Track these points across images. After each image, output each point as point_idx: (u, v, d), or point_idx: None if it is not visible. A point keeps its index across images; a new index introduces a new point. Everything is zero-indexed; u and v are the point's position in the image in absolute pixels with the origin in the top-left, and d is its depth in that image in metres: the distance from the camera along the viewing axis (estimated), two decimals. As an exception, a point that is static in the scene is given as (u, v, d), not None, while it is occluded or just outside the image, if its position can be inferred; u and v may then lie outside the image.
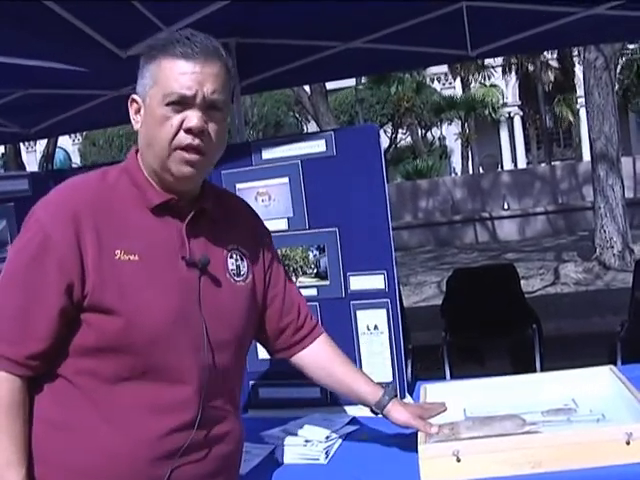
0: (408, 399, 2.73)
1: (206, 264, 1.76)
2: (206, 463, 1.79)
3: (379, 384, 2.20)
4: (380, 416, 2.16)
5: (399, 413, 2.12)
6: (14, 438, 1.63)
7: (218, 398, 1.82)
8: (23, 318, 1.65)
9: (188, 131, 1.69)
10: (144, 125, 1.74)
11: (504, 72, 32.73)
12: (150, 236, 1.75)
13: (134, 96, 1.76)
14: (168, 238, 1.76)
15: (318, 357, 2.14)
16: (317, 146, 2.75)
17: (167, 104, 1.68)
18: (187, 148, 1.70)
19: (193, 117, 1.68)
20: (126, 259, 1.69)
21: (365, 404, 2.18)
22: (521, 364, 5.66)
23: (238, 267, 1.89)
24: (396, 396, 2.17)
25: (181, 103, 1.68)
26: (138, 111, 1.76)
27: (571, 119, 32.47)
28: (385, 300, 2.73)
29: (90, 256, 1.66)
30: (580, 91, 27.58)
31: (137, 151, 1.82)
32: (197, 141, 1.70)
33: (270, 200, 2.78)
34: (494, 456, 1.99)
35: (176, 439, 1.72)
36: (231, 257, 1.88)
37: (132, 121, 1.78)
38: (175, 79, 1.68)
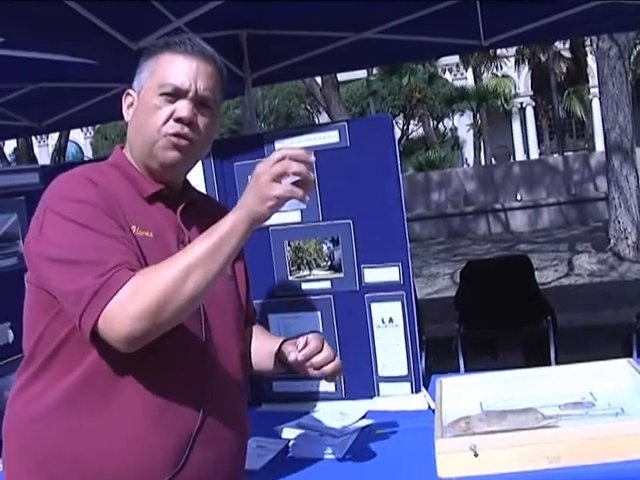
0: (424, 393, 2.71)
1: None
2: (218, 448, 1.78)
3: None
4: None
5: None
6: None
7: (222, 381, 1.82)
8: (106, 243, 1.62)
9: (178, 120, 1.76)
10: (135, 115, 1.82)
11: (517, 63, 32.56)
12: (153, 221, 1.78)
13: (129, 90, 1.86)
14: (166, 225, 1.80)
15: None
16: (330, 137, 2.73)
17: (161, 94, 1.77)
18: (175, 135, 1.76)
19: (184, 108, 1.76)
20: (142, 234, 1.72)
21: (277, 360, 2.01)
22: (535, 356, 5.61)
23: None
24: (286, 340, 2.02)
25: (174, 95, 1.77)
26: (131, 105, 1.85)
27: (579, 113, 32.36)
28: (400, 292, 2.70)
29: (122, 223, 1.68)
30: (592, 81, 27.45)
31: (122, 148, 1.89)
32: (186, 130, 1.77)
33: (283, 192, 2.76)
34: (512, 451, 1.96)
35: (185, 420, 1.71)
36: None
37: (124, 113, 1.86)
38: (171, 72, 1.77)
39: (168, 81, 1.76)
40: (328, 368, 1.90)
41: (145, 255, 1.69)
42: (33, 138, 19.92)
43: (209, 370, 1.78)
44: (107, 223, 1.65)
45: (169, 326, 1.59)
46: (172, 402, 1.70)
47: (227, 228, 1.60)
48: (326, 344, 1.92)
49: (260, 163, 1.60)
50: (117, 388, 1.67)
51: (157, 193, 1.82)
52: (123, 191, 1.78)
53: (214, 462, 1.77)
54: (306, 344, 1.89)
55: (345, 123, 2.76)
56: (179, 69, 1.77)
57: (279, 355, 1.96)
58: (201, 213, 1.89)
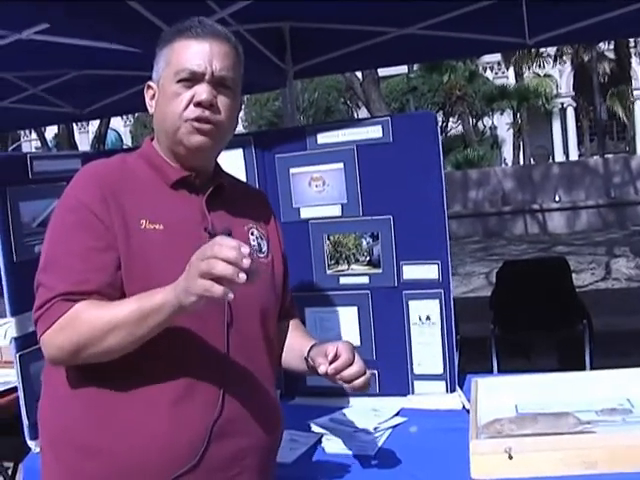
0: (458, 392, 2.69)
1: (229, 234, 1.76)
2: (239, 441, 1.77)
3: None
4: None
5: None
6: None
7: (246, 373, 1.81)
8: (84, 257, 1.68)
9: (198, 104, 1.76)
10: (157, 105, 1.83)
11: (555, 60, 32.24)
12: (172, 210, 1.79)
13: (149, 82, 1.87)
14: (189, 212, 1.81)
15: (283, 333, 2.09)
16: (373, 132, 2.71)
17: (178, 81, 1.77)
18: (197, 119, 1.76)
19: (202, 92, 1.76)
20: (151, 228, 1.74)
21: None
22: (570, 360, 5.57)
23: (259, 244, 1.94)
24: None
25: (191, 79, 1.77)
26: (153, 96, 1.85)
27: (621, 115, 32.03)
28: (438, 291, 2.68)
29: (116, 224, 1.70)
30: (635, 83, 27.15)
31: (151, 139, 1.91)
32: (207, 113, 1.76)
33: (324, 185, 2.75)
34: (547, 455, 1.94)
35: (204, 412, 1.71)
36: (252, 234, 1.93)
37: (147, 106, 1.87)
38: (185, 57, 1.77)
39: (184, 67, 1.76)
40: (358, 382, 1.84)
41: (150, 248, 1.71)
42: (74, 125, 20.09)
43: (231, 361, 1.77)
44: (91, 229, 1.69)
45: (91, 361, 1.66)
46: (192, 393, 1.71)
47: (157, 304, 1.59)
48: (357, 356, 1.86)
49: (198, 250, 1.53)
50: (138, 380, 1.68)
51: (182, 180, 1.82)
52: (145, 182, 1.81)
53: (235, 455, 1.76)
54: (336, 355, 1.83)
55: (388, 118, 2.74)
56: (193, 53, 1.76)
57: (307, 360, 1.93)
58: (230, 198, 1.90)
